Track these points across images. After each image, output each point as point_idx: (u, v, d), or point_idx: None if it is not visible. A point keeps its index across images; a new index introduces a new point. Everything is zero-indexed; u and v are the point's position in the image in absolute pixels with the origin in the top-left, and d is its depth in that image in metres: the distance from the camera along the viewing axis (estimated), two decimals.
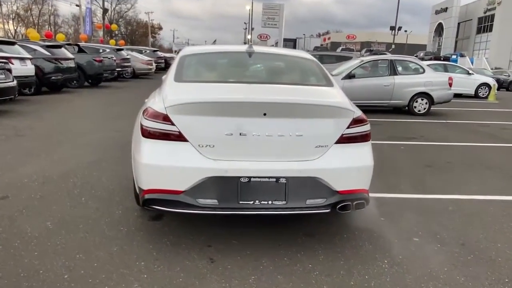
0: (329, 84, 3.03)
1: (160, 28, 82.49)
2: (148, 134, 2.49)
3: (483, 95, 15.93)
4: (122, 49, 18.51)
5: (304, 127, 2.45)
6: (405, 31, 52.80)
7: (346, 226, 3.09)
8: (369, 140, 2.66)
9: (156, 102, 2.58)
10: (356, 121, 2.57)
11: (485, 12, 40.91)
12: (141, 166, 2.49)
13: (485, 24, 41.15)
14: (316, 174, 2.46)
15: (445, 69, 15.56)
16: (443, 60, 24.90)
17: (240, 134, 2.40)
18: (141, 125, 2.56)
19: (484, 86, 15.92)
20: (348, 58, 14.34)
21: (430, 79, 9.86)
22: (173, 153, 2.43)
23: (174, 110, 2.42)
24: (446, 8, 45.05)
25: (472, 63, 32.00)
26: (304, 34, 79.94)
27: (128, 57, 18.07)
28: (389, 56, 11.35)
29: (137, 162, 2.56)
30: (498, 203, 3.77)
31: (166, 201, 2.46)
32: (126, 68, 17.78)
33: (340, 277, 2.37)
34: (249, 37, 61.54)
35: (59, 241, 2.68)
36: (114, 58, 15.46)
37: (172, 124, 2.43)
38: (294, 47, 70.45)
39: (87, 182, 3.91)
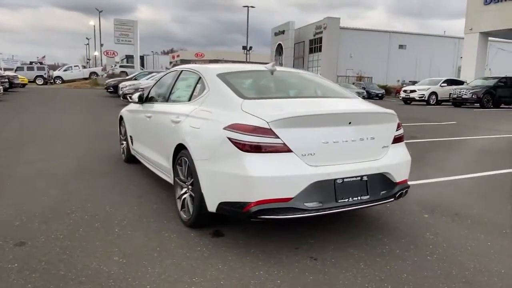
0: (355, 96, 3.60)
1: None
2: (250, 148, 2.61)
3: None
4: None
5: (375, 132, 2.96)
6: (248, 50, 57.58)
7: (369, 216, 3.67)
8: (404, 140, 3.32)
9: (248, 118, 2.70)
10: (399, 125, 3.21)
11: (314, 35, 47.90)
12: (249, 179, 2.58)
13: (315, 46, 48.17)
14: (386, 170, 2.98)
15: None
16: None
17: (334, 142, 2.76)
18: (236, 140, 2.65)
19: None
20: None
21: None
22: (281, 163, 2.62)
23: (278, 124, 2.62)
24: (284, 31, 51.07)
25: None
26: (152, 51, 78.86)
27: None
28: None
29: (239, 176, 2.63)
30: (450, 182, 4.93)
31: (276, 209, 2.62)
32: None
33: (415, 250, 2.93)
34: (96, 53, 57.53)
35: (155, 272, 2.52)
36: None
37: (277, 137, 2.62)
38: (142, 64, 68.89)
39: (95, 214, 3.54)
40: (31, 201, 3.86)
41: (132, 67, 40.75)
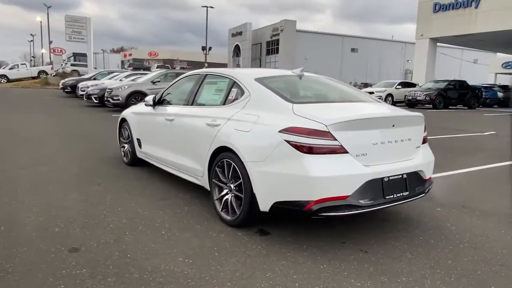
0: (379, 100, 3.88)
1: None
2: (310, 150, 2.78)
3: None
4: None
5: (411, 133, 3.25)
6: (204, 50, 57.20)
7: (391, 211, 3.97)
8: (427, 141, 3.65)
9: (304, 121, 2.87)
10: (425, 127, 3.52)
11: (271, 37, 48.67)
12: (311, 179, 2.75)
13: (272, 47, 48.98)
14: (419, 168, 3.28)
15: None
16: None
17: (381, 143, 3.00)
18: (295, 143, 2.81)
19: None
20: None
21: None
22: (339, 163, 2.82)
23: (335, 127, 2.82)
24: (241, 32, 51.38)
25: None
26: (102, 50, 75.82)
27: None
28: None
29: (300, 176, 2.79)
30: (442, 178, 5.36)
31: (335, 207, 2.81)
32: None
33: (445, 240, 3.24)
34: (43, 51, 54.33)
35: (227, 270, 2.62)
36: None
37: (335, 139, 2.81)
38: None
39: (131, 217, 3.53)
40: (56, 207, 3.75)
41: (85, 65, 39.11)
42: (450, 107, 22.14)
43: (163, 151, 4.53)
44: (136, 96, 14.07)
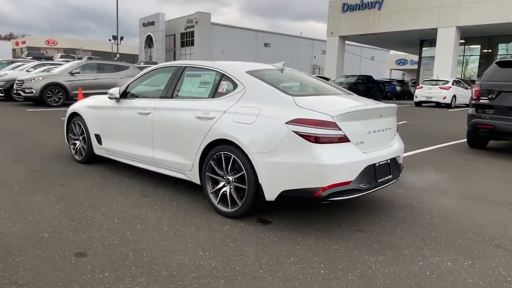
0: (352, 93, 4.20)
1: None
2: (319, 139, 2.96)
3: None
4: None
5: (391, 123, 3.62)
6: (115, 39, 53.92)
7: (367, 197, 4.35)
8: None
9: (310, 113, 3.04)
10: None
11: (185, 29, 47.73)
12: (322, 167, 2.93)
13: (187, 39, 48.11)
14: (397, 154, 3.66)
15: None
16: None
17: (373, 131, 3.30)
18: (304, 133, 2.96)
19: None
20: (125, 68, 14.50)
21: None
22: (344, 151, 3.04)
23: (340, 118, 3.03)
24: (153, 22, 49.44)
25: None
26: None
27: None
28: None
29: (311, 165, 2.95)
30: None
31: (340, 192, 3.04)
32: None
33: (419, 216, 3.69)
34: None
35: (252, 259, 2.68)
36: None
37: (340, 129, 3.03)
38: None
39: (122, 216, 3.37)
40: (28, 211, 3.40)
41: None
42: None
43: (134, 147, 4.32)
44: (53, 89, 12.92)
